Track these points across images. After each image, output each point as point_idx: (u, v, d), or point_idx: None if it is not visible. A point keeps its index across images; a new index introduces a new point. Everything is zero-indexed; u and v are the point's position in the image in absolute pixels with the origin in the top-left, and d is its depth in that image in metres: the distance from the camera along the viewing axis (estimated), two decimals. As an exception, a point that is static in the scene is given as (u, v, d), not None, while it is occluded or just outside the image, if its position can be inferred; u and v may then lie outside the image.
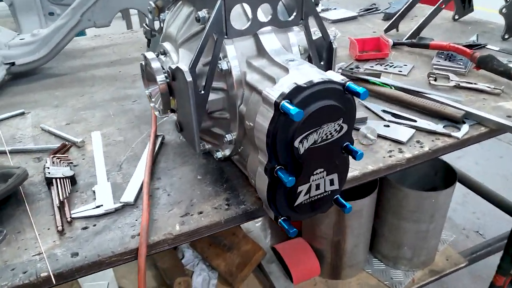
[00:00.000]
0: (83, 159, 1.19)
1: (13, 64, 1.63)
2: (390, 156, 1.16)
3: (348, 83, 0.80)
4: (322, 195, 0.91)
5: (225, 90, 0.95)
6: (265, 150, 0.82)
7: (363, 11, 2.39)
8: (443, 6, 1.96)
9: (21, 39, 1.69)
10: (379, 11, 2.39)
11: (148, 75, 1.06)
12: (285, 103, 0.74)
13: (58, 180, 1.04)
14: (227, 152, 1.05)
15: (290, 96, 0.76)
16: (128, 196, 1.02)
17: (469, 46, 1.72)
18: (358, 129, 1.22)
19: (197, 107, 0.91)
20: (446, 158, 1.60)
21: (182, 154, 1.20)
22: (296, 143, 0.79)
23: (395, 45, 1.85)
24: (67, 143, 1.24)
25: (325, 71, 0.87)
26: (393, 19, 2.03)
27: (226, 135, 0.98)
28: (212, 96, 0.95)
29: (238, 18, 0.93)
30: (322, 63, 1.03)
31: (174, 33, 1.04)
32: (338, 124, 0.82)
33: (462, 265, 1.98)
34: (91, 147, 1.24)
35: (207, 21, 0.88)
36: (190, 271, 2.01)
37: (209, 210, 0.99)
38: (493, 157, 3.62)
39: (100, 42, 2.17)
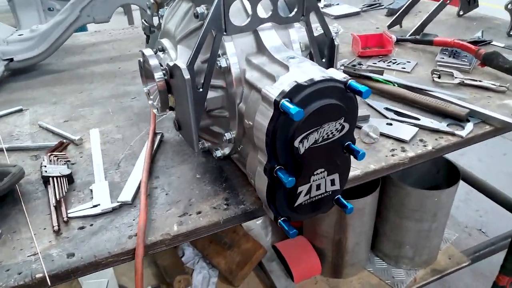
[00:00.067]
0: (81, 157, 1.17)
1: (11, 60, 1.61)
2: (392, 155, 1.14)
3: (350, 81, 0.78)
4: (322, 195, 0.89)
5: (224, 88, 0.94)
6: (264, 149, 0.80)
7: (366, 6, 2.37)
8: (448, 1, 1.93)
9: (19, 35, 1.67)
10: (382, 7, 2.36)
11: (146, 72, 1.05)
12: (285, 102, 0.72)
13: (55, 178, 1.03)
14: (227, 151, 1.03)
15: (290, 94, 0.74)
16: (126, 195, 1.01)
17: (474, 43, 1.69)
18: (360, 128, 1.20)
19: (195, 105, 0.89)
20: (449, 155, 1.58)
21: (181, 152, 1.18)
22: (296, 143, 0.78)
23: (399, 41, 1.83)
24: (64, 141, 1.23)
25: (327, 68, 0.85)
26: (397, 15, 2.01)
27: (225, 134, 0.97)
28: (211, 94, 0.93)
29: (238, 14, 0.91)
30: (323, 60, 1.01)
31: (172, 29, 1.02)
32: (339, 123, 0.80)
33: (464, 264, 1.96)
34: (89, 145, 1.23)
35: (206, 17, 0.86)
36: (190, 269, 2.00)
37: (208, 210, 0.97)
38: (496, 155, 3.59)
39: (100, 38, 2.16)
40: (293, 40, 0.96)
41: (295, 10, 0.94)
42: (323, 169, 0.85)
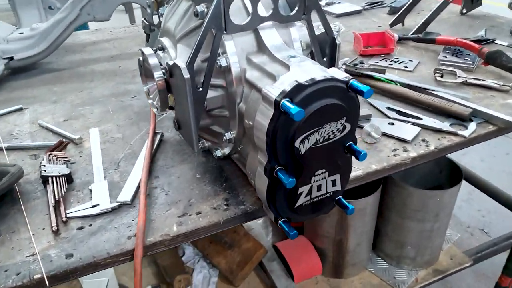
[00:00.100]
0: (80, 156, 1.17)
1: (11, 58, 1.61)
2: (394, 155, 1.13)
3: (351, 81, 0.77)
4: (323, 196, 0.88)
5: (224, 87, 0.93)
6: (264, 150, 0.79)
7: (368, 5, 2.35)
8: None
9: (19, 33, 1.66)
10: (384, 5, 2.34)
11: (146, 71, 1.04)
12: (285, 102, 0.71)
13: (54, 178, 1.02)
14: (227, 150, 1.02)
15: (291, 94, 0.73)
16: (125, 195, 1.00)
17: (477, 41, 1.68)
18: (361, 127, 1.19)
19: (195, 105, 0.88)
20: (451, 154, 1.57)
21: (181, 152, 1.18)
22: (296, 143, 0.77)
23: (401, 40, 1.81)
24: (64, 140, 1.22)
25: (328, 67, 0.84)
26: (399, 13, 1.99)
27: (226, 134, 0.96)
28: (210, 94, 0.92)
29: (238, 12, 0.90)
30: (325, 59, 1.00)
31: (172, 28, 1.01)
32: (341, 123, 0.79)
33: (466, 264, 1.95)
34: (89, 144, 1.22)
35: (206, 16, 0.85)
36: (190, 268, 1.99)
37: (208, 210, 0.96)
38: (499, 154, 3.57)
39: (100, 36, 2.15)
40: (294, 39, 0.95)
41: (296, 8, 0.93)
42: (324, 170, 0.84)
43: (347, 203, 0.90)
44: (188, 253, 2.05)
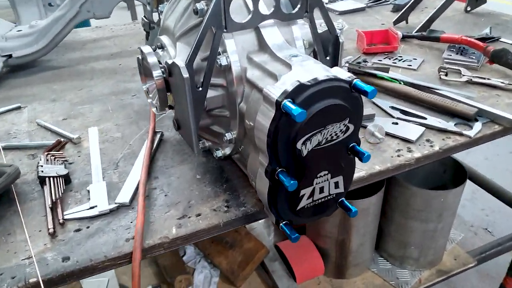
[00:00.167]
0: (79, 156, 1.15)
1: (10, 56, 1.59)
2: (398, 156, 1.11)
3: (355, 80, 0.75)
4: (326, 198, 0.86)
5: (224, 86, 0.91)
6: (265, 151, 0.77)
7: (372, 2, 2.33)
8: (455, -3, 1.89)
9: (18, 31, 1.64)
10: (388, 3, 2.32)
11: (145, 70, 1.02)
12: (287, 103, 0.69)
13: (51, 179, 1.00)
14: (227, 151, 1.00)
15: (293, 95, 0.71)
16: (124, 196, 0.98)
17: (482, 39, 1.66)
18: (365, 127, 1.17)
19: (194, 105, 0.86)
20: (455, 154, 1.55)
21: (181, 151, 1.16)
22: (298, 145, 0.75)
23: (405, 38, 1.79)
24: (62, 139, 1.20)
25: (331, 66, 0.82)
26: (403, 10, 1.97)
27: (226, 134, 0.94)
28: (210, 93, 0.90)
29: (239, 10, 0.88)
30: (327, 58, 0.98)
31: (171, 26, 0.99)
32: (344, 124, 0.77)
33: (470, 265, 1.92)
34: (88, 143, 1.20)
35: (205, 14, 0.83)
36: (191, 268, 1.97)
37: (208, 212, 0.94)
38: (503, 153, 3.54)
39: (101, 33, 2.13)
40: (296, 37, 0.93)
41: (299, 6, 0.90)
42: (326, 172, 0.82)
43: (350, 205, 0.88)
44: (189, 253, 2.03)
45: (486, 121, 1.24)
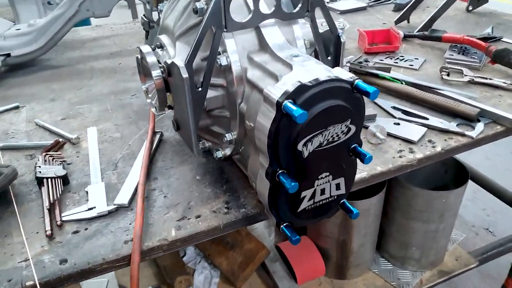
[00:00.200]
0: (77, 156, 1.14)
1: (8, 55, 1.57)
2: (400, 157, 1.10)
3: (357, 81, 0.74)
4: (327, 200, 0.85)
5: (224, 87, 0.90)
6: (266, 152, 0.76)
7: (373, 1, 2.31)
8: (456, -4, 1.88)
9: (17, 29, 1.63)
10: (389, 2, 2.30)
11: (144, 70, 1.01)
12: (287, 104, 0.68)
13: (49, 180, 0.99)
14: (228, 151, 0.99)
15: (294, 95, 0.70)
16: (122, 198, 0.97)
17: (484, 39, 1.64)
18: (366, 127, 1.16)
19: (194, 105, 0.85)
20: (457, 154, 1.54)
21: (181, 152, 1.14)
22: (299, 146, 0.73)
23: (406, 37, 1.78)
24: (61, 139, 1.19)
25: (332, 67, 0.81)
26: (404, 10, 1.96)
27: (226, 134, 0.93)
28: (210, 93, 0.89)
29: (239, 9, 0.86)
30: (329, 58, 0.96)
31: (171, 25, 0.98)
32: (345, 125, 0.76)
33: (472, 266, 1.91)
34: (86, 144, 1.19)
35: (205, 13, 0.81)
36: (191, 269, 1.97)
37: (207, 214, 0.93)
38: (504, 152, 3.53)
39: (101, 32, 2.11)
40: (297, 37, 0.92)
41: (300, 5, 0.89)
42: (328, 173, 0.81)
43: (351, 207, 0.87)
44: (189, 254, 2.02)
45: (488, 121, 1.22)
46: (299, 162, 0.76)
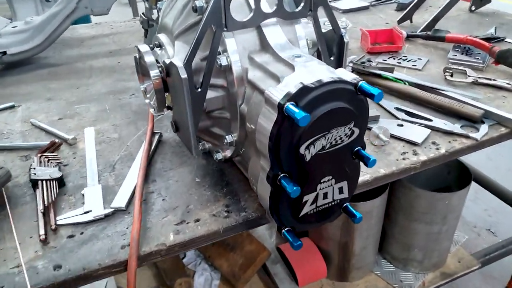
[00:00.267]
0: (74, 158, 1.11)
1: (4, 53, 1.55)
2: (403, 159, 1.08)
3: (360, 83, 0.71)
4: (330, 204, 0.82)
5: (225, 87, 0.87)
6: (267, 155, 0.73)
7: (376, 1, 2.29)
8: (460, -4, 1.85)
9: (13, 27, 1.60)
10: (392, 1, 2.28)
11: (142, 70, 0.98)
12: (289, 106, 0.66)
13: (44, 182, 0.97)
14: (228, 153, 0.96)
15: (296, 97, 0.67)
16: (120, 201, 0.95)
17: (487, 39, 1.62)
18: (369, 129, 1.14)
19: (193, 106, 0.83)
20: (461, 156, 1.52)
21: (180, 153, 1.12)
22: (301, 150, 0.71)
23: (409, 37, 1.76)
24: (57, 140, 1.16)
25: (335, 67, 0.79)
26: (407, 9, 1.93)
27: (226, 136, 0.90)
28: (210, 94, 0.86)
29: (240, 8, 0.84)
30: (332, 58, 0.94)
31: (170, 24, 0.96)
32: (349, 128, 0.74)
33: (474, 267, 1.89)
34: (84, 144, 1.16)
35: (205, 11, 0.79)
36: (191, 271, 1.94)
37: (207, 218, 0.91)
38: (506, 153, 3.50)
39: (100, 30, 2.09)
40: (300, 36, 0.90)
41: (302, 4, 0.87)
42: (330, 177, 0.79)
43: (354, 211, 0.85)
44: (189, 255, 2.00)
45: (492, 123, 1.20)
46: (301, 166, 0.73)
